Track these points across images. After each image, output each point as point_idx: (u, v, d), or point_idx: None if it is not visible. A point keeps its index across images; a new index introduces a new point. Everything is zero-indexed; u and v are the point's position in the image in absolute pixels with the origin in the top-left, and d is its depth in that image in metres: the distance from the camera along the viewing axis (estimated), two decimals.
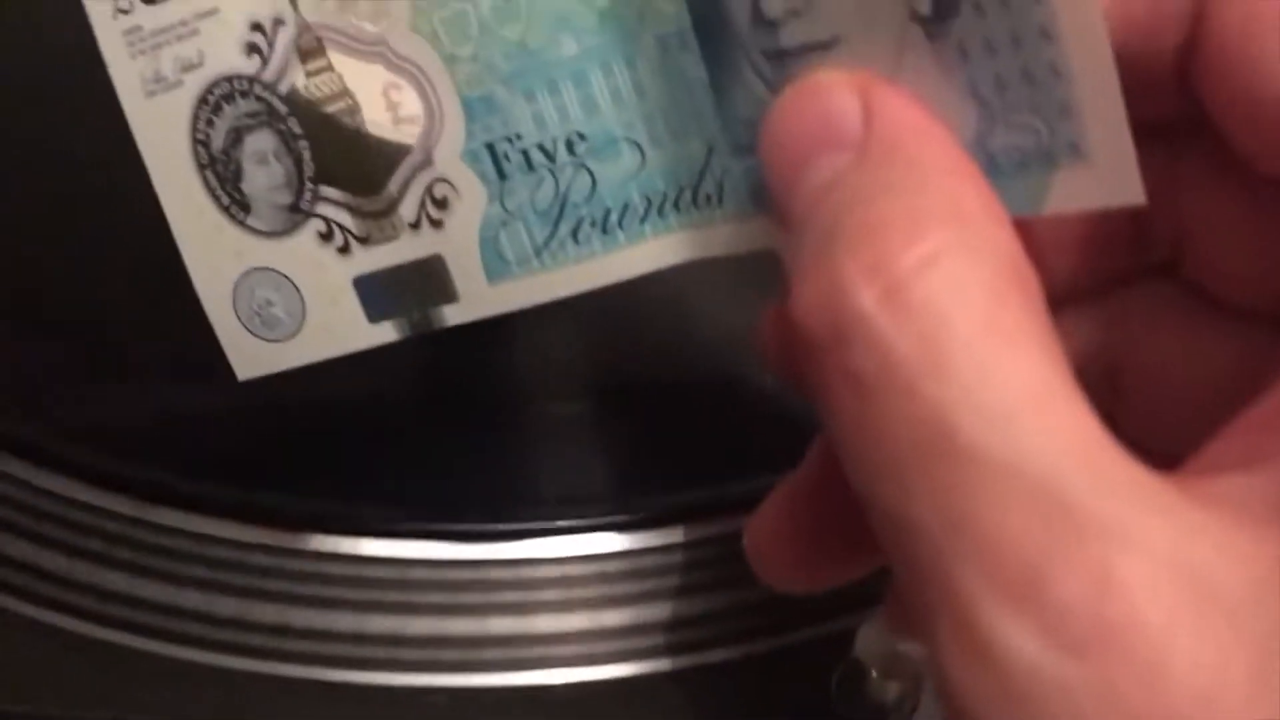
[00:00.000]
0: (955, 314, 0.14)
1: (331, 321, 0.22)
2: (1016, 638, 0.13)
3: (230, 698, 0.26)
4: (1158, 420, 0.19)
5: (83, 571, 0.26)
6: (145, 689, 0.26)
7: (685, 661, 0.26)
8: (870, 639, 0.25)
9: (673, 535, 0.27)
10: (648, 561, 0.26)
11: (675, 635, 0.26)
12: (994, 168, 0.17)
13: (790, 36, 0.18)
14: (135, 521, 0.26)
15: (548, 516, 0.26)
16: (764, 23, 0.18)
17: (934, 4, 0.16)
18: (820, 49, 0.18)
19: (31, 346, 0.29)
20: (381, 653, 0.26)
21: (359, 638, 0.26)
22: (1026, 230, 0.16)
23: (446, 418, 0.28)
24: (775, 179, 0.17)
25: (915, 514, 0.14)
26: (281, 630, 0.26)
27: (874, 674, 0.25)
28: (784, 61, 0.18)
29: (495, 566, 0.26)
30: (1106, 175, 0.16)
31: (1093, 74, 0.16)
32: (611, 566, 0.26)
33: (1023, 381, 0.14)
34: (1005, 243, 0.15)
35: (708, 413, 0.28)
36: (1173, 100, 0.17)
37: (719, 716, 0.26)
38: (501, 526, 0.26)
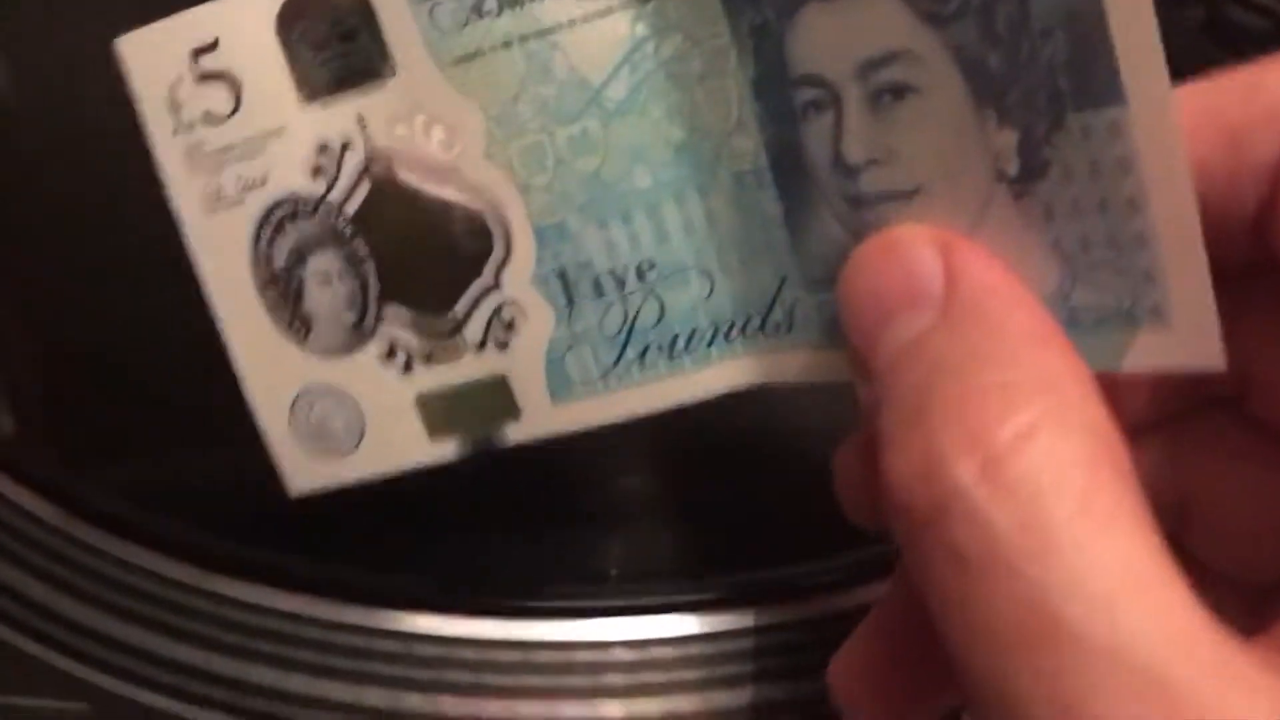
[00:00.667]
0: (1053, 492, 0.15)
1: (391, 438, 0.22)
2: None
3: None
4: (1223, 545, 0.19)
5: (156, 643, 0.26)
6: None
7: None
8: None
9: (743, 619, 0.26)
10: (715, 647, 0.26)
11: None
12: (1074, 322, 0.17)
13: (870, 184, 0.18)
14: (208, 595, 0.26)
15: (610, 595, 0.26)
16: (844, 168, 0.18)
17: (1021, 166, 0.17)
18: (901, 198, 0.18)
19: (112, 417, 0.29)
20: None
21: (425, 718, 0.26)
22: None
23: (511, 494, 0.28)
24: (855, 331, 0.18)
25: (1017, 691, 0.14)
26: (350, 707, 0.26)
27: None
28: (862, 206, 0.18)
29: (542, 648, 0.26)
30: (1188, 340, 0.16)
31: (1179, 244, 0.16)
32: (676, 651, 0.26)
33: (1122, 564, 0.14)
34: (1097, 415, 0.16)
35: (780, 494, 0.28)
36: (1244, 248, 0.18)
37: None
38: (543, 604, 0.26)
